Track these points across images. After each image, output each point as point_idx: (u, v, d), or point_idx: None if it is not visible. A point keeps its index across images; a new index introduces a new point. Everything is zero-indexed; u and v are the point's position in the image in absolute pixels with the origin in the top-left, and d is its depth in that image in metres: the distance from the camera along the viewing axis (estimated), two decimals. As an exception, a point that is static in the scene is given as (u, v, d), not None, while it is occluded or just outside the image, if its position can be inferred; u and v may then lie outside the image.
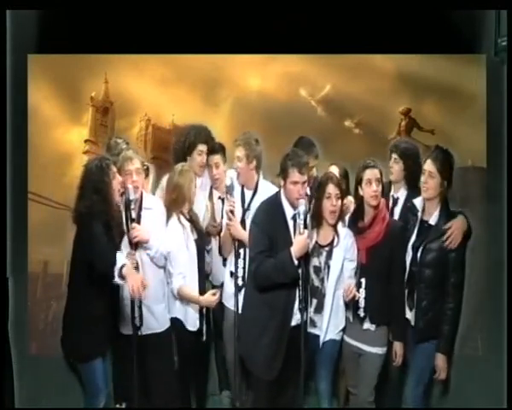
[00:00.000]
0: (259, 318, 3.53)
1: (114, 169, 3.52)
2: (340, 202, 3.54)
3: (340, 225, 3.58)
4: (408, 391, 3.69)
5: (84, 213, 3.41)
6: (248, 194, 3.86)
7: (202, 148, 3.96)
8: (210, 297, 3.70)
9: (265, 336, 3.50)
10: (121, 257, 3.34)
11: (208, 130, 4.03)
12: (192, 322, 3.74)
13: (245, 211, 3.83)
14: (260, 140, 3.86)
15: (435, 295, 3.53)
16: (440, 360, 3.54)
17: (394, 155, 3.85)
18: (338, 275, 3.55)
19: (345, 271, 3.56)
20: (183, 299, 3.72)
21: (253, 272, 3.51)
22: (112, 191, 3.47)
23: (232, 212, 3.77)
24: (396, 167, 3.84)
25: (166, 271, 3.74)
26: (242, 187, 3.87)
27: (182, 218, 3.75)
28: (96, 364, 3.52)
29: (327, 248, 3.57)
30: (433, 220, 3.57)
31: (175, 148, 4.04)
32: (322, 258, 3.57)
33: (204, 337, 3.78)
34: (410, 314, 3.62)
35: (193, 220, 3.80)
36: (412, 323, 3.60)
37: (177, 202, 3.74)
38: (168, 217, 3.74)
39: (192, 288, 3.71)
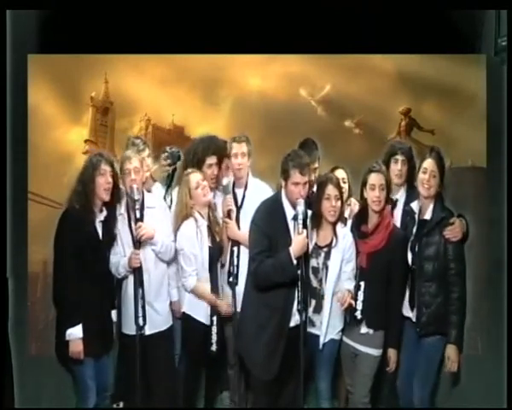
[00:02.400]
0: (258, 317, 3.52)
1: (106, 168, 3.52)
2: (339, 202, 3.53)
3: (339, 226, 3.57)
4: (414, 394, 3.63)
5: (66, 205, 3.47)
6: (239, 192, 3.86)
7: (211, 161, 3.86)
8: (226, 306, 3.73)
9: (264, 336, 3.49)
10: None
11: (217, 139, 3.93)
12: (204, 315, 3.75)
13: (238, 209, 3.83)
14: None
15: (437, 288, 3.52)
16: (452, 351, 3.51)
17: (401, 157, 3.78)
18: (336, 276, 3.53)
19: (342, 272, 3.54)
20: (198, 296, 3.73)
21: (252, 271, 3.51)
22: (93, 186, 3.48)
23: (229, 212, 3.79)
24: (404, 169, 3.78)
25: (179, 267, 3.75)
26: (233, 186, 3.87)
27: (199, 217, 3.74)
28: (86, 362, 3.50)
29: (325, 249, 3.56)
30: (428, 216, 3.58)
31: (185, 165, 3.91)
32: (321, 259, 3.56)
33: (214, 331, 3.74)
34: (411, 313, 3.60)
35: (210, 227, 3.78)
36: (414, 320, 3.58)
37: (179, 203, 3.76)
38: (186, 216, 3.73)
39: (207, 287, 3.72)
